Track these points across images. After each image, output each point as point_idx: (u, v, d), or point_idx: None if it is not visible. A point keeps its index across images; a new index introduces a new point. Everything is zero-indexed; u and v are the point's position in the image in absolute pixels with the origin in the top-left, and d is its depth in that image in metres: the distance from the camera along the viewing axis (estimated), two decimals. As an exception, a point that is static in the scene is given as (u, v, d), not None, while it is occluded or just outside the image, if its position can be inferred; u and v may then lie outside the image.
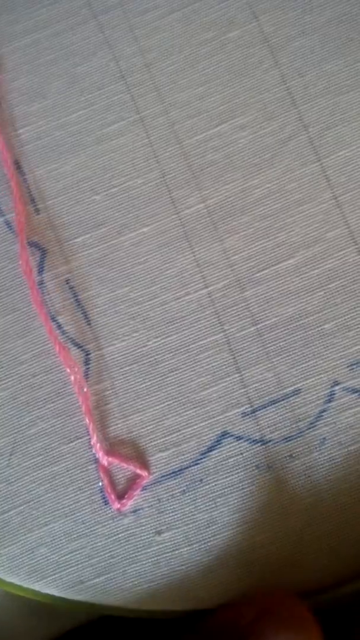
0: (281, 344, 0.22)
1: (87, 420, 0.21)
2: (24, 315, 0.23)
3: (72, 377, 0.21)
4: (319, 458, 0.21)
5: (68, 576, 0.21)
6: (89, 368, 0.22)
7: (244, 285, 0.22)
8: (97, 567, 0.21)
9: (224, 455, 0.22)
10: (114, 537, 0.21)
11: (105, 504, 0.22)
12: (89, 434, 0.22)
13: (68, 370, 0.21)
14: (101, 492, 0.22)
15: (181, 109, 0.24)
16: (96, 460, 0.22)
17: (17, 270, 0.23)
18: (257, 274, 0.22)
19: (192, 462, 0.22)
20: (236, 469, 0.21)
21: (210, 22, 0.24)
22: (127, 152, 0.24)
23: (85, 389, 0.22)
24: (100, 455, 0.21)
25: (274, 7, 0.24)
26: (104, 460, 0.22)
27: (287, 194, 0.23)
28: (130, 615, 0.22)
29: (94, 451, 0.22)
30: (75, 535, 0.21)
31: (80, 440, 0.22)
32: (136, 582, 0.21)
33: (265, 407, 0.22)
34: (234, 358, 0.22)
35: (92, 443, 0.21)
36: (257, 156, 0.23)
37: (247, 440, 0.22)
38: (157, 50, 0.24)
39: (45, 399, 0.22)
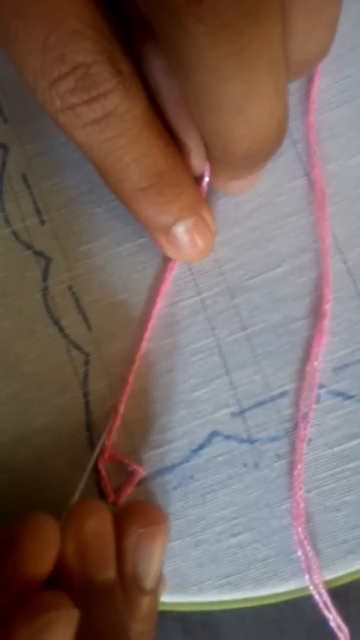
0: (269, 348, 0.23)
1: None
2: (29, 318, 0.24)
3: None
4: (305, 458, 0.22)
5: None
6: (88, 369, 0.24)
7: (234, 292, 0.24)
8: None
9: (214, 454, 0.23)
10: (109, 529, 0.23)
11: (102, 497, 0.23)
12: (88, 430, 0.23)
13: None
14: (97, 485, 0.23)
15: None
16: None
17: (25, 277, 0.25)
18: (247, 282, 0.24)
19: (184, 459, 0.23)
20: (225, 467, 0.23)
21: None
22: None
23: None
24: (98, 450, 0.23)
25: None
26: (102, 455, 0.23)
27: (276, 206, 0.24)
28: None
29: (92, 447, 0.23)
30: (73, 526, 0.23)
31: (80, 436, 0.23)
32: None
33: (252, 408, 0.23)
34: (224, 361, 0.23)
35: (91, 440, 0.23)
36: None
37: (236, 439, 0.23)
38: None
39: (48, 396, 0.24)
